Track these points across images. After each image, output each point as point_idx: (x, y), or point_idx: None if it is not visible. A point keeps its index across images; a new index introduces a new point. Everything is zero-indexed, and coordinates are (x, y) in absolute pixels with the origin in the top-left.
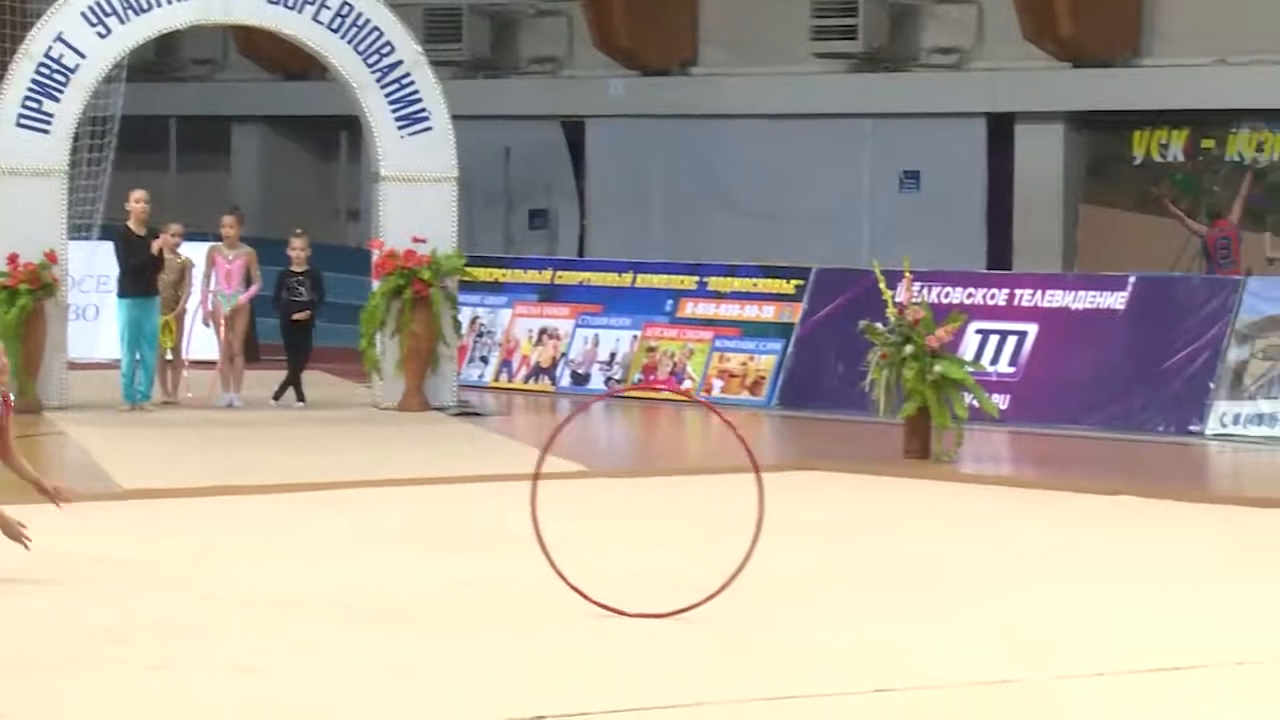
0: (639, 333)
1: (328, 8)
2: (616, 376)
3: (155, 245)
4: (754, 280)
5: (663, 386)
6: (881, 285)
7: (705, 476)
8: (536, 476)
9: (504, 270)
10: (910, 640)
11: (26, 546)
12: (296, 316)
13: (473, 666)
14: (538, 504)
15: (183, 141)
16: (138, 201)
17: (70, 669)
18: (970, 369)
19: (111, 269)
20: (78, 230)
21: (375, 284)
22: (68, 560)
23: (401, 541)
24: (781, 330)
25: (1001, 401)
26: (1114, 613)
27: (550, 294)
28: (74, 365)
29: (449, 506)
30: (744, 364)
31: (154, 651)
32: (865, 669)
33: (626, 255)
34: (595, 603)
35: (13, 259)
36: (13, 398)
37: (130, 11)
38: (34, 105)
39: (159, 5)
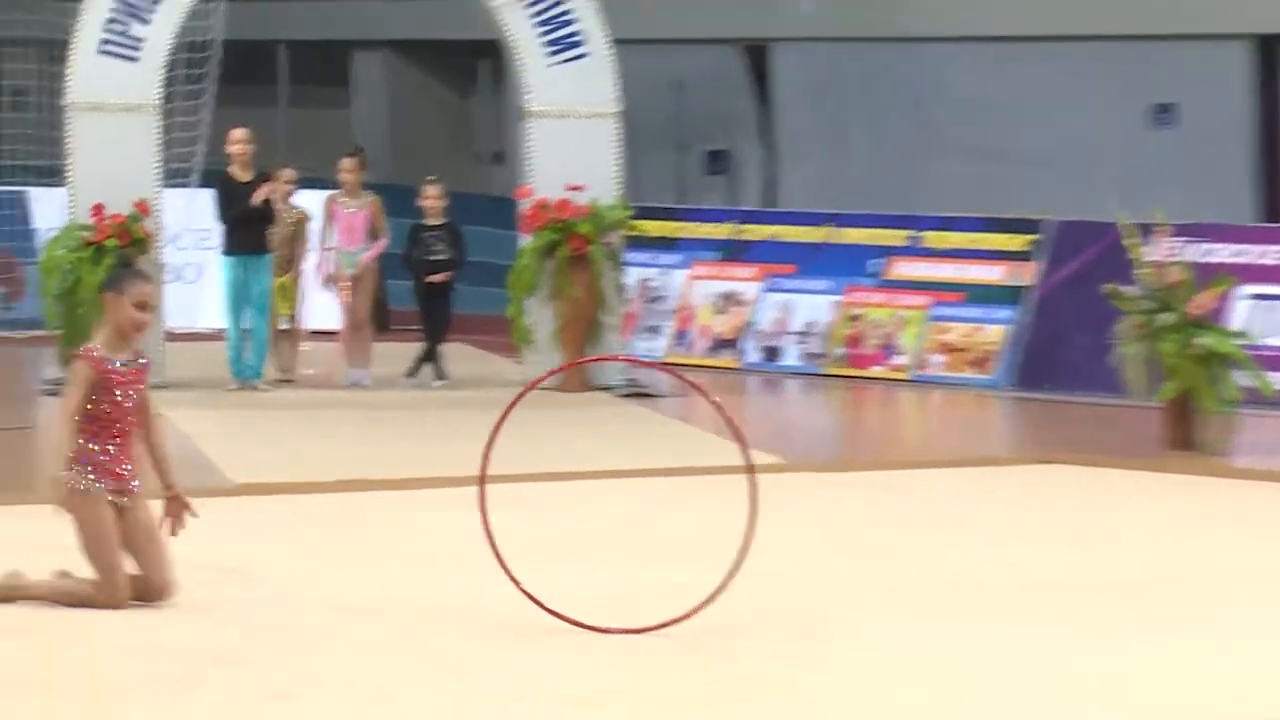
0: (839, 298)
1: None
2: (814, 350)
3: (260, 193)
4: (978, 235)
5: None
6: (1131, 241)
7: (922, 471)
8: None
9: (677, 223)
10: (1194, 667)
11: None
12: (433, 278)
13: (650, 690)
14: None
15: (295, 71)
16: (239, 142)
17: (177, 695)
18: (1241, 342)
19: (214, 222)
20: (174, 176)
21: (524, 240)
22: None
23: (557, 546)
24: (1012, 295)
25: None
26: None
27: (733, 251)
28: (171, 336)
29: (614, 505)
30: (968, 336)
31: (273, 675)
32: (1142, 698)
33: (823, 205)
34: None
35: (98, 210)
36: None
37: None
38: (119, 28)
39: None
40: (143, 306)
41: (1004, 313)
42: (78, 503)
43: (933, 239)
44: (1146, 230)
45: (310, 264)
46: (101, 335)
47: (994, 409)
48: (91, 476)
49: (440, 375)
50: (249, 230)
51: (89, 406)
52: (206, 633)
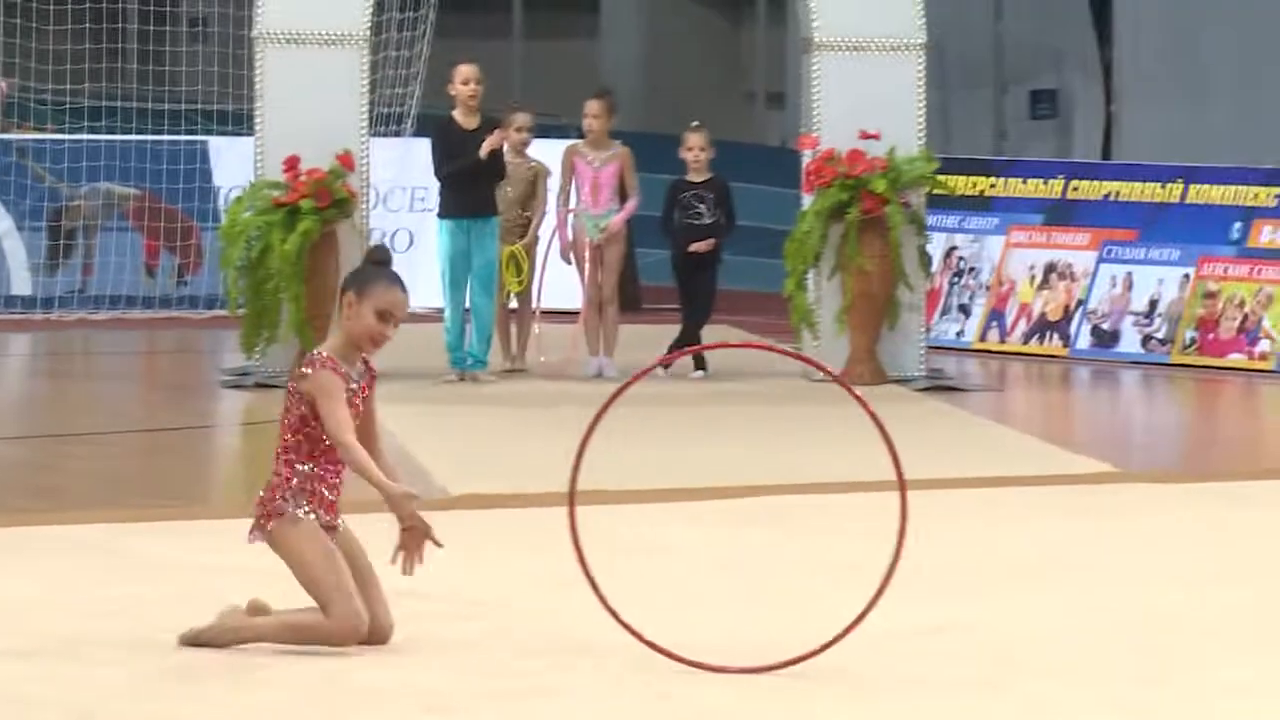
0: (1191, 270)
1: None
2: (1159, 334)
3: (487, 144)
4: None
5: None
6: None
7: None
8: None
9: (994, 180)
10: None
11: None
12: (695, 247)
13: None
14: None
15: None
16: (465, 82)
17: None
18: None
19: (431, 179)
20: (384, 123)
21: (807, 200)
22: None
23: (837, 571)
24: None
25: None
26: None
27: (1062, 214)
28: None
29: (917, 522)
30: None
31: None
32: None
33: (1174, 157)
34: None
35: (292, 164)
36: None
37: None
38: None
39: None
40: (387, 318)
41: None
42: (294, 534)
43: None
44: None
45: (547, 229)
46: (332, 341)
47: None
48: (306, 506)
49: (701, 365)
50: (473, 188)
51: (308, 427)
52: (413, 674)
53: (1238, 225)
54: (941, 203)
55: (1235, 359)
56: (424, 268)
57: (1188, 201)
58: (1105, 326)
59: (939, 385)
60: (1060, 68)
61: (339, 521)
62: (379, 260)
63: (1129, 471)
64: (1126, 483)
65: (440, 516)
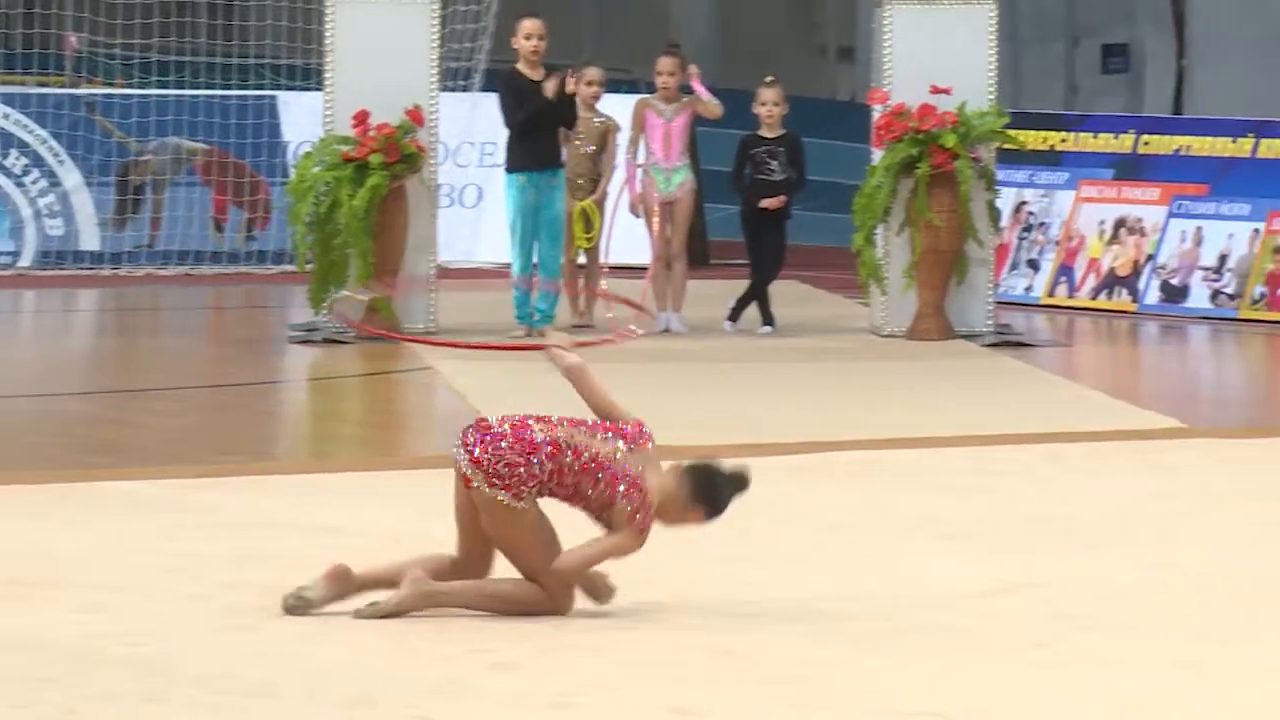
0: (1262, 225)
1: None
2: (1229, 290)
3: (551, 86)
4: None
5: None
6: None
7: None
8: None
9: (1064, 134)
10: None
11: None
12: (766, 203)
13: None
14: None
15: None
16: (528, 37)
17: (442, 704)
18: None
19: (500, 133)
20: (453, 77)
21: (876, 155)
22: (435, 548)
23: (903, 527)
24: None
25: None
26: None
27: (1132, 169)
28: (446, 272)
29: (978, 478)
30: None
31: (551, 681)
32: None
33: (1245, 111)
34: None
35: (361, 119)
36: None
37: None
38: None
39: None
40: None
41: None
42: (527, 516)
43: None
44: None
45: (616, 185)
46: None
47: None
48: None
49: (768, 320)
50: (540, 140)
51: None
52: (477, 630)
53: None
54: (1011, 157)
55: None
56: (491, 223)
57: (1259, 156)
58: (1174, 282)
59: (1007, 340)
60: (1132, 21)
61: None
62: (732, 479)
63: (1196, 427)
64: (1194, 438)
65: None
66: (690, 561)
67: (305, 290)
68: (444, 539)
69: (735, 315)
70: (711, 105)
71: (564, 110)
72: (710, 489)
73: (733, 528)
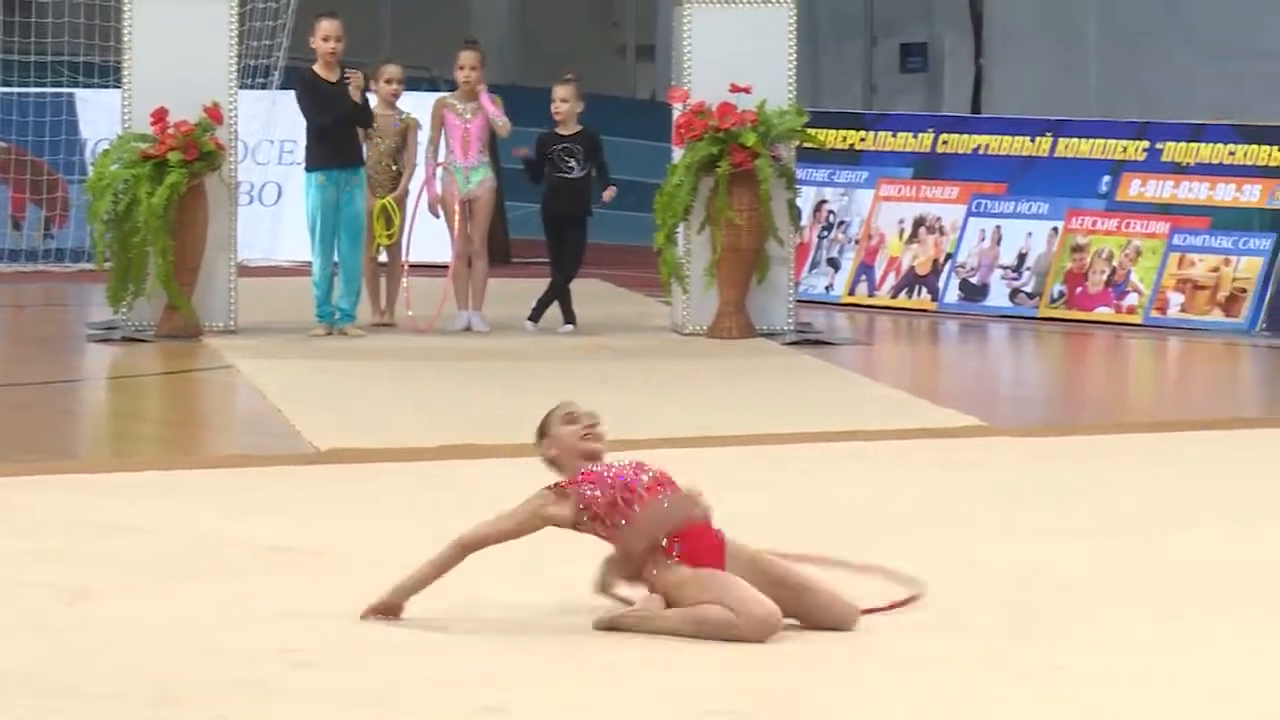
0: (1060, 224)
1: None
2: (1028, 288)
3: (354, 84)
4: (1231, 147)
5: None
6: None
7: (1155, 436)
8: None
9: (864, 133)
10: None
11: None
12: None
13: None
14: None
15: None
16: (325, 39)
17: (247, 704)
18: None
19: (300, 131)
20: (252, 75)
21: (677, 153)
22: (236, 546)
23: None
24: (1272, 220)
25: None
26: None
27: (931, 168)
28: (247, 270)
29: (778, 475)
30: (1215, 270)
31: (356, 680)
32: None
33: (1043, 111)
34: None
35: (159, 116)
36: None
37: None
38: None
39: None
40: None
41: (1260, 241)
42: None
43: (1176, 152)
44: None
45: (417, 183)
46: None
47: (1245, 359)
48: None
49: (569, 319)
50: (340, 139)
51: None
52: (281, 629)
53: (1106, 179)
54: (811, 156)
55: (1103, 312)
56: (292, 221)
57: (1057, 155)
58: (974, 280)
59: (807, 339)
60: (930, 21)
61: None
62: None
63: (995, 425)
64: (993, 436)
65: (308, 472)
66: (488, 564)
67: (104, 288)
68: (258, 536)
69: (536, 315)
70: (499, 126)
71: (362, 114)
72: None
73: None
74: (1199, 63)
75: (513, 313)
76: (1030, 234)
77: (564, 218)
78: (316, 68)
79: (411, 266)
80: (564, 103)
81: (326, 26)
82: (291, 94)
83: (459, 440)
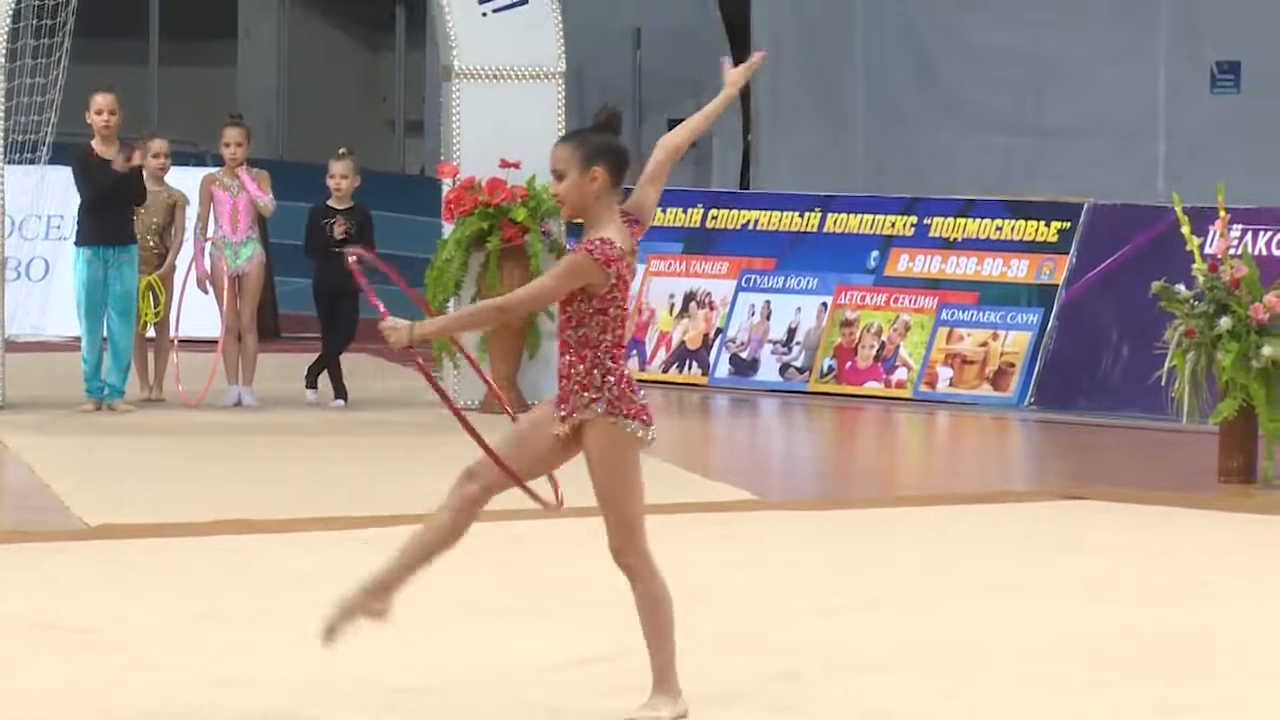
0: (829, 298)
1: None
2: (798, 363)
3: (121, 161)
4: (999, 222)
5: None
6: (1185, 230)
7: (924, 509)
8: None
9: None
10: None
11: None
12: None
13: None
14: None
15: (170, 21)
16: (99, 112)
17: None
18: None
19: (69, 206)
20: (19, 150)
21: (447, 228)
22: (2, 623)
23: (490, 606)
24: (1039, 295)
25: None
26: None
27: (701, 243)
28: (13, 346)
29: (553, 549)
30: (983, 345)
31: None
32: None
33: (811, 186)
34: None
35: None
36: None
37: None
38: None
39: None
40: None
41: (1029, 316)
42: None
43: (943, 227)
44: (1204, 216)
45: (185, 258)
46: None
47: (1014, 433)
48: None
49: (340, 394)
50: (111, 215)
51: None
52: (49, 709)
53: (874, 254)
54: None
55: (872, 387)
56: (60, 296)
57: (825, 230)
58: (744, 355)
59: None
60: (698, 97)
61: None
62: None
63: (767, 500)
64: (765, 510)
65: (78, 547)
66: (231, 630)
67: None
68: (25, 612)
69: (312, 380)
70: (263, 206)
71: (135, 185)
72: (595, 147)
73: (304, 598)
74: (966, 138)
75: (283, 387)
76: (800, 309)
77: (335, 291)
78: (93, 143)
79: (181, 342)
80: (344, 179)
81: (100, 100)
82: (61, 169)
83: (230, 515)
